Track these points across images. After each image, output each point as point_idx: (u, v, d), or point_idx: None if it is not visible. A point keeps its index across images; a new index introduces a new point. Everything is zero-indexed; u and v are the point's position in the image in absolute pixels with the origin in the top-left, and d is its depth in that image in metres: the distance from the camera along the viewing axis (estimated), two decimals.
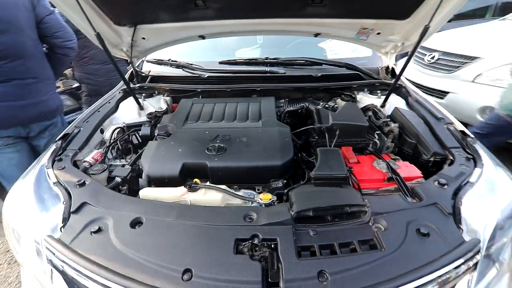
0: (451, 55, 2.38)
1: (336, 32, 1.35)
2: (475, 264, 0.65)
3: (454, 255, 0.63)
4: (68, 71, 3.28)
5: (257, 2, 1.13)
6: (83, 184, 0.85)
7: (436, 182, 0.83)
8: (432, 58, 2.55)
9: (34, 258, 0.76)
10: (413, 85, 2.62)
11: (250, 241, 0.66)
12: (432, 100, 1.33)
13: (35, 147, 1.58)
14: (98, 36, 1.08)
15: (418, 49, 2.83)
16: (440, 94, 2.33)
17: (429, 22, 0.99)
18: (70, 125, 1.20)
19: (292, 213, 0.72)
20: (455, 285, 0.64)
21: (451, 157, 0.95)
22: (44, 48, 1.57)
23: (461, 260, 0.62)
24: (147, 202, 0.81)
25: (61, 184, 0.86)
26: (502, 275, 0.76)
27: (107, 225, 0.73)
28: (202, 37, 1.41)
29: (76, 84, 3.03)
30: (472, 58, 2.21)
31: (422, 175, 0.92)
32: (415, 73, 2.72)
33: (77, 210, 0.77)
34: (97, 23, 1.13)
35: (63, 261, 0.67)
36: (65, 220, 0.76)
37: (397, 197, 0.80)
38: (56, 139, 1.09)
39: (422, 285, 0.59)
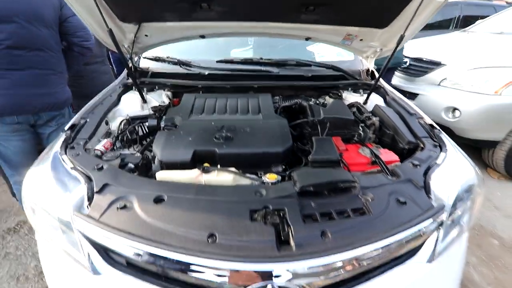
0: (420, 60, 2.68)
1: (325, 37, 1.51)
2: (441, 223, 0.82)
3: (425, 216, 0.79)
4: None
5: (257, 7, 1.26)
6: (101, 168, 0.92)
7: (411, 163, 1.00)
8: (405, 63, 2.83)
9: (59, 234, 0.81)
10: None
11: (263, 210, 0.77)
12: (406, 100, 1.53)
13: (40, 134, 1.66)
14: (111, 32, 1.14)
15: None
16: (412, 95, 2.60)
17: (404, 31, 1.18)
18: (76, 116, 1.24)
19: (297, 189, 0.85)
20: (426, 239, 0.80)
21: (422, 145, 1.13)
22: (63, 46, 1.68)
23: (431, 220, 0.79)
24: (166, 182, 0.90)
25: (79, 169, 0.92)
26: (462, 235, 0.94)
27: (131, 202, 0.80)
28: (203, 36, 1.50)
29: None
30: (438, 64, 2.51)
31: (399, 159, 1.09)
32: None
33: (100, 190, 0.84)
34: (105, 21, 1.19)
35: (94, 234, 0.74)
36: (89, 199, 0.82)
37: (380, 176, 0.96)
38: (65, 128, 1.13)
39: (402, 238, 0.74)
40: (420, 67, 2.65)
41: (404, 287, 0.78)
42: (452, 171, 1.00)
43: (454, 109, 2.27)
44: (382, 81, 1.68)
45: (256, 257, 0.68)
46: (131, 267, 0.74)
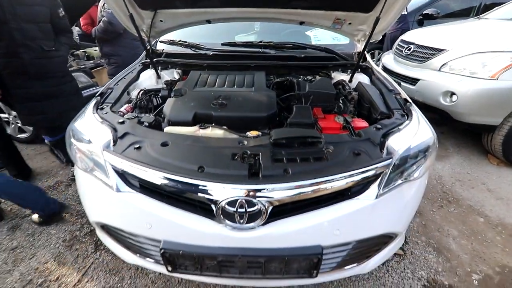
0: (424, 47, 2.72)
1: (317, 21, 1.68)
2: (387, 171, 1.00)
3: (372, 163, 0.98)
4: (80, 52, 3.59)
5: None
6: (123, 123, 1.19)
7: (374, 127, 1.18)
8: (409, 50, 2.89)
9: (93, 165, 1.10)
10: (392, 73, 2.99)
11: (242, 153, 1.00)
12: (390, 78, 1.67)
13: None
14: (131, 16, 1.40)
15: (400, 42, 3.19)
16: (413, 81, 2.67)
17: (380, 14, 1.33)
18: (104, 86, 1.53)
19: (271, 140, 1.07)
20: (374, 181, 1.00)
21: (392, 114, 1.30)
22: None
23: (377, 165, 0.98)
24: (171, 134, 1.16)
25: (107, 122, 1.20)
26: (412, 185, 1.11)
27: (144, 145, 1.07)
28: (209, 21, 1.73)
29: (90, 64, 3.34)
30: (440, 50, 2.55)
31: (368, 125, 1.27)
32: (394, 63, 3.07)
33: (122, 136, 1.11)
34: (127, 7, 1.45)
35: (118, 164, 1.01)
36: (114, 142, 1.10)
37: (345, 135, 1.15)
38: (96, 95, 1.42)
39: (351, 178, 0.94)
40: (423, 53, 2.70)
41: (355, 214, 0.98)
42: (410, 135, 1.16)
43: (452, 93, 2.34)
44: (371, 63, 1.83)
45: (230, 182, 0.91)
46: (142, 188, 1.01)
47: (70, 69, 2.99)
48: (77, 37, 4.66)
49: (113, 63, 2.96)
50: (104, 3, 2.57)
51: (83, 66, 3.21)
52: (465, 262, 1.67)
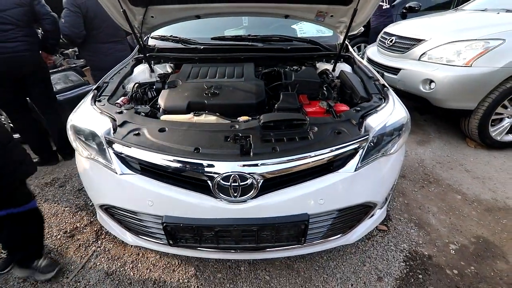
0: (405, 38, 2.87)
1: (300, 14, 1.78)
2: (364, 146, 1.12)
3: (351, 139, 1.10)
4: (70, 51, 3.59)
5: None
6: (121, 112, 1.27)
7: (354, 110, 1.29)
8: (391, 41, 3.03)
9: (95, 151, 1.18)
10: (375, 64, 3.13)
11: (234, 135, 1.10)
12: (370, 66, 1.79)
13: None
14: (124, 12, 1.47)
15: (383, 34, 3.33)
16: (395, 71, 2.81)
17: (357, 5, 1.44)
18: (100, 80, 1.60)
19: (260, 123, 1.17)
20: (353, 156, 1.11)
21: (371, 98, 1.42)
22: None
23: (355, 141, 1.09)
24: (167, 121, 1.24)
25: (106, 113, 1.27)
26: (388, 159, 1.23)
27: (143, 131, 1.15)
28: (198, 16, 1.80)
29: (80, 62, 3.35)
30: (419, 41, 2.69)
31: (348, 108, 1.38)
32: (378, 55, 3.21)
33: (121, 125, 1.19)
34: (120, 3, 1.51)
35: (119, 148, 1.10)
36: (114, 130, 1.17)
37: (327, 118, 1.26)
38: (93, 88, 1.49)
39: (333, 153, 1.05)
40: (404, 44, 2.85)
41: (336, 185, 1.09)
42: (386, 116, 1.28)
43: (430, 81, 2.48)
44: (353, 53, 1.95)
45: (224, 160, 1.01)
46: (143, 169, 1.10)
47: (60, 68, 3.03)
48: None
49: (90, 65, 2.89)
50: (65, 8, 2.34)
51: (73, 65, 3.23)
52: (444, 234, 1.82)
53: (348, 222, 1.22)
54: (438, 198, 2.15)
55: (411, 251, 1.68)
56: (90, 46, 2.57)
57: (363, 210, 1.21)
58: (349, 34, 1.86)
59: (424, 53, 2.61)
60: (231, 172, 0.98)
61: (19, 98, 2.31)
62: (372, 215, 1.34)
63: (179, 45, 1.97)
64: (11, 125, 2.90)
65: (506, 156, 2.62)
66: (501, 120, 2.58)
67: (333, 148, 1.07)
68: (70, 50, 3.62)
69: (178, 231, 1.08)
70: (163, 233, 1.09)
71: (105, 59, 2.58)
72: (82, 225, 1.90)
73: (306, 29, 2.15)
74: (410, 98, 2.86)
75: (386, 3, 4.53)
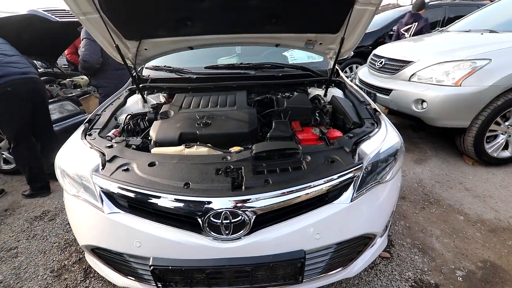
0: (394, 60, 2.95)
1: (290, 43, 1.83)
2: (359, 175, 1.09)
3: (345, 168, 1.07)
4: (67, 81, 3.66)
5: (231, 22, 1.59)
6: (111, 146, 1.25)
7: (347, 136, 1.28)
8: (381, 63, 3.11)
9: (82, 189, 1.14)
10: (367, 85, 3.19)
11: (225, 168, 1.07)
12: (361, 91, 1.82)
13: None
14: (117, 47, 1.50)
15: (372, 56, 3.43)
16: (387, 91, 2.86)
17: (344, 34, 1.48)
18: (92, 112, 1.59)
19: (252, 154, 1.15)
20: (347, 185, 1.08)
21: (363, 124, 1.41)
22: None
23: (348, 170, 1.07)
24: (157, 154, 1.22)
25: (95, 147, 1.25)
26: (385, 187, 1.20)
27: (132, 166, 1.12)
28: (191, 48, 1.85)
29: (77, 92, 3.40)
30: (408, 62, 2.77)
31: (342, 134, 1.37)
32: (369, 76, 3.29)
33: (110, 160, 1.16)
34: (113, 39, 1.55)
35: (107, 186, 1.06)
36: (103, 165, 1.15)
37: (320, 145, 1.24)
38: (84, 122, 1.48)
39: (327, 184, 1.02)
40: (394, 65, 2.92)
41: (332, 218, 1.05)
42: (379, 142, 1.27)
43: (422, 100, 2.52)
44: (344, 78, 1.98)
45: (215, 195, 0.97)
46: (131, 207, 1.05)
47: (56, 98, 3.07)
48: (66, 65, 4.76)
49: (100, 93, 3.11)
50: (84, 38, 2.69)
51: (70, 95, 3.26)
52: (449, 259, 1.74)
53: (347, 255, 1.17)
54: (440, 219, 2.09)
55: (417, 280, 1.60)
56: (105, 73, 2.88)
57: (362, 242, 1.16)
58: (339, 59, 1.92)
59: (413, 74, 2.67)
60: (223, 208, 0.94)
61: (30, 122, 2.44)
62: (373, 245, 1.28)
63: (173, 75, 2.00)
64: (4, 155, 2.88)
65: (505, 173, 2.59)
66: (495, 136, 2.59)
67: (327, 179, 1.04)
68: (68, 80, 3.68)
69: (167, 274, 1.01)
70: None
71: (119, 85, 2.66)
72: (70, 262, 1.81)
73: (297, 56, 2.20)
74: (403, 116, 2.89)
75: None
